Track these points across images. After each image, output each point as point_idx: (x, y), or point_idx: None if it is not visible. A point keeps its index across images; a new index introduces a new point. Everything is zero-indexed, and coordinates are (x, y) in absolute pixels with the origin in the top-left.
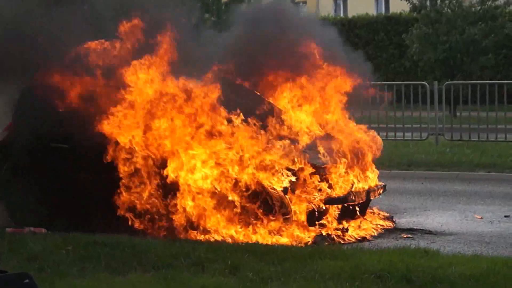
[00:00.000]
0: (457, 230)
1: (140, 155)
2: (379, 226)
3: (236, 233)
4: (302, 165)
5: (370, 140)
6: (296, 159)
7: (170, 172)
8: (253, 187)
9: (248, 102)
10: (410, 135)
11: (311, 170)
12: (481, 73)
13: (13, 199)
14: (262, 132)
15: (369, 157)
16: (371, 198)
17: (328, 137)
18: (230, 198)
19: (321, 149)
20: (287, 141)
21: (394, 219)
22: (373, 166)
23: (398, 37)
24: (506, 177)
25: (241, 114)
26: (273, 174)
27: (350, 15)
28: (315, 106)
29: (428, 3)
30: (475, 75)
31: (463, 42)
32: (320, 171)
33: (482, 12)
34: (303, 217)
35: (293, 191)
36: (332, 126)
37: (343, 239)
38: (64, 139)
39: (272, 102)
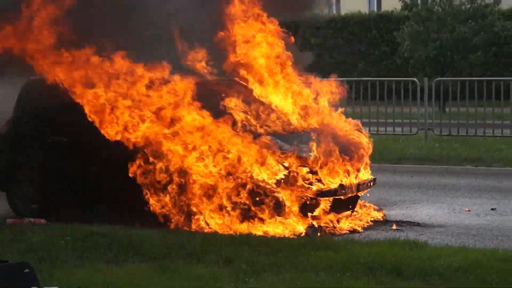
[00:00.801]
0: (445, 222)
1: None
2: (369, 218)
3: (230, 225)
4: (294, 159)
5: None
6: (288, 153)
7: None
8: (246, 181)
9: (240, 96)
10: (400, 130)
11: (303, 163)
12: (470, 70)
13: (14, 190)
14: (254, 126)
15: (360, 151)
16: (362, 191)
17: (319, 130)
18: (224, 192)
19: (312, 143)
20: (279, 136)
21: (384, 212)
22: (365, 160)
23: (390, 35)
24: (493, 171)
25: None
26: (266, 168)
27: (342, 12)
28: (304, 99)
29: (419, 1)
30: (465, 72)
31: (453, 40)
32: (312, 164)
33: (472, 10)
34: (295, 209)
35: (285, 184)
36: (322, 120)
37: (335, 231)
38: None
39: (260, 94)
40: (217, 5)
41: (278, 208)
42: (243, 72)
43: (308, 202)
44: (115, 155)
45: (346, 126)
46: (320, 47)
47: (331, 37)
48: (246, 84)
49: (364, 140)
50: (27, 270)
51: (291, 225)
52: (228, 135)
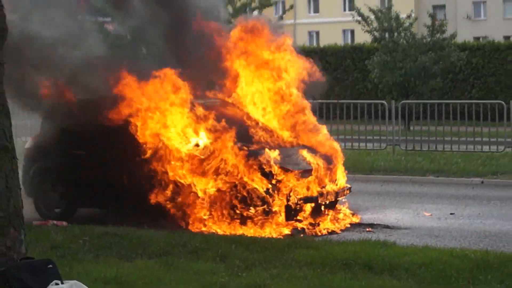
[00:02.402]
0: (410, 225)
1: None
2: (345, 221)
3: (225, 226)
4: (281, 170)
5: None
6: (276, 165)
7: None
8: (240, 188)
9: (233, 114)
10: (371, 145)
11: (289, 173)
12: (431, 94)
13: (39, 196)
14: (250, 141)
15: (338, 163)
16: (339, 198)
17: (302, 145)
18: (221, 198)
19: (296, 156)
20: (269, 149)
21: (358, 216)
22: (342, 171)
23: (362, 63)
24: (452, 181)
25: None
26: (257, 178)
27: (321, 44)
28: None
29: (386, 35)
30: (426, 95)
31: (416, 68)
32: (297, 174)
33: (432, 43)
34: (282, 213)
35: (273, 192)
36: (305, 135)
37: (315, 232)
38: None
39: (250, 113)
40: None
41: (267, 212)
42: (234, 94)
43: (293, 207)
44: (124, 166)
45: (325, 141)
46: None
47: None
48: (237, 105)
49: (340, 152)
50: (50, 266)
51: (278, 227)
52: (226, 149)
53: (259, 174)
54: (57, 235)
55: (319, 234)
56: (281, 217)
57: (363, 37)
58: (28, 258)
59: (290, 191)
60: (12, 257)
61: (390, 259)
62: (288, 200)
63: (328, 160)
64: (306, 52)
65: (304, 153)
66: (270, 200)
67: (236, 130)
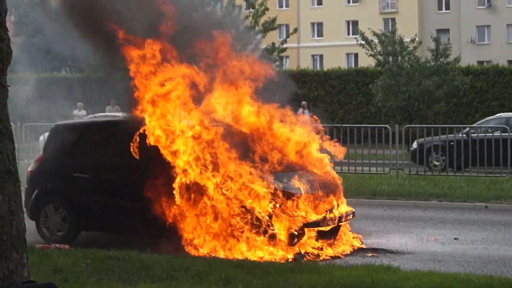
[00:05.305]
0: (414, 250)
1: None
2: (349, 246)
3: (229, 250)
4: (285, 195)
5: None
6: (280, 189)
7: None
8: (244, 211)
9: (240, 140)
10: (374, 170)
11: (293, 198)
12: (434, 118)
13: (42, 220)
14: (253, 165)
15: (341, 187)
16: (342, 222)
17: (306, 170)
18: (226, 221)
19: (301, 181)
20: (273, 174)
21: (361, 240)
22: (343, 195)
23: (366, 87)
24: (455, 206)
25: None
26: (262, 202)
27: (325, 68)
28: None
29: (390, 59)
30: (430, 119)
31: (420, 92)
32: (300, 199)
33: (436, 67)
34: (285, 238)
35: (277, 216)
36: (309, 161)
37: (319, 257)
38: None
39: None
40: None
41: (270, 236)
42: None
43: (296, 232)
44: (125, 187)
45: (328, 166)
46: (305, 97)
47: (315, 89)
48: (241, 129)
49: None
50: None
51: (281, 251)
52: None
53: (264, 198)
54: (59, 259)
55: (322, 258)
56: (284, 242)
57: (367, 61)
58: (31, 282)
59: (293, 216)
60: (14, 281)
61: (394, 284)
62: (291, 225)
63: (331, 185)
64: (310, 75)
65: (307, 177)
66: (273, 224)
67: (240, 152)
